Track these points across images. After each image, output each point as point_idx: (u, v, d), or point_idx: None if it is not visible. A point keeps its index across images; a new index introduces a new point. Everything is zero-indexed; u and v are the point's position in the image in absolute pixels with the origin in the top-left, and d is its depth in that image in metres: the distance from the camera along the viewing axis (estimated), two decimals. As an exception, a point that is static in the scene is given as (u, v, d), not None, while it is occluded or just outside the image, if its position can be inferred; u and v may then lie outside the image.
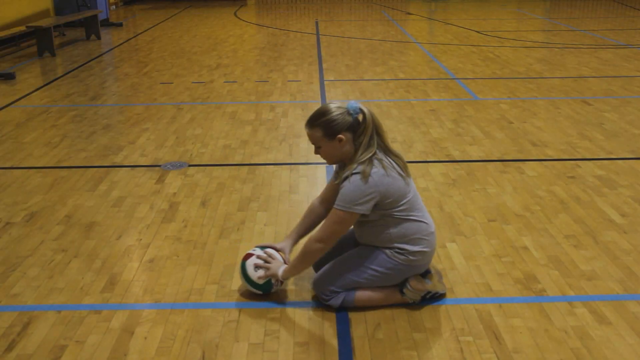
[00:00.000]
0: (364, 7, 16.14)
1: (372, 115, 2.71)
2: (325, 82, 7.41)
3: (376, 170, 2.65)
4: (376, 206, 2.69)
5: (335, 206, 2.69)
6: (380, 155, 2.70)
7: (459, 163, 4.69)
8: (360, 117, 2.72)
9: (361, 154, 2.68)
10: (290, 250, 3.03)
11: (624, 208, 3.89)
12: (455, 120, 5.76)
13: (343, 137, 2.69)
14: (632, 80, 7.35)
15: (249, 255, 2.96)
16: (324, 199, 3.00)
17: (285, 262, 2.93)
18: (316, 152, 2.80)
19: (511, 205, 3.95)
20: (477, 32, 11.36)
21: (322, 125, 2.70)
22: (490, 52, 9.23)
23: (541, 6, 15.65)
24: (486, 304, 2.89)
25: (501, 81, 7.36)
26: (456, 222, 3.72)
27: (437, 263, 3.22)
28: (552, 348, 2.58)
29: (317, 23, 12.96)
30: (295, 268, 2.85)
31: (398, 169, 2.73)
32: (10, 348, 2.61)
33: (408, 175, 2.78)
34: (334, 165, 2.93)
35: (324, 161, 2.87)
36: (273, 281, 2.89)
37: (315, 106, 6.31)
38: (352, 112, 2.69)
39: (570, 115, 5.91)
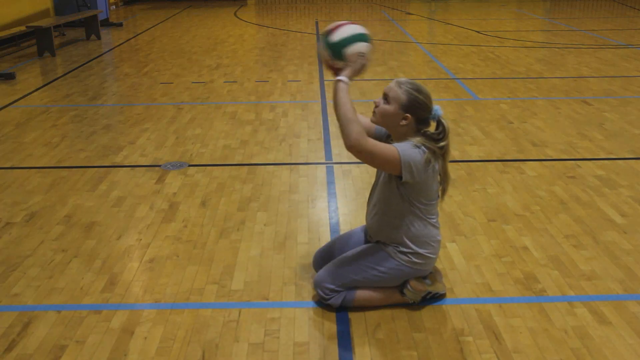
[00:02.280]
0: (364, 7, 16.14)
1: (449, 130, 2.70)
2: (325, 82, 7.41)
3: (432, 163, 2.65)
4: (408, 188, 2.68)
5: (397, 146, 2.62)
6: (440, 162, 2.70)
7: (459, 163, 4.69)
8: (434, 122, 2.71)
9: (426, 142, 2.66)
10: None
11: (624, 208, 3.89)
12: (455, 120, 5.76)
13: (410, 118, 2.67)
14: (632, 80, 7.35)
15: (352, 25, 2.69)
16: (369, 124, 2.87)
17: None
18: (377, 103, 2.74)
19: (511, 205, 3.95)
20: (477, 32, 11.36)
21: (409, 96, 2.66)
22: (490, 52, 9.23)
23: (541, 6, 15.64)
24: (486, 304, 2.89)
25: (501, 81, 7.36)
26: (456, 222, 3.72)
27: (437, 263, 3.22)
28: (552, 348, 2.58)
29: (317, 23, 12.95)
30: (338, 95, 2.62)
31: (438, 178, 2.74)
32: (10, 348, 2.61)
33: (441, 192, 2.79)
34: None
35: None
36: (342, 57, 2.63)
37: (316, 106, 6.35)
38: (432, 113, 2.69)
39: (570, 115, 5.91)
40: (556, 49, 9.44)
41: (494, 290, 3.00)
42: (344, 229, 3.65)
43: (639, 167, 4.57)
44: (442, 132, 2.68)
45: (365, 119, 2.88)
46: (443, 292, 2.93)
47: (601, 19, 13.08)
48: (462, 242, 3.48)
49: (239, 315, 2.82)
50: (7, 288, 3.07)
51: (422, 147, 2.64)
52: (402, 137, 2.71)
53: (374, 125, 2.88)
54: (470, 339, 2.65)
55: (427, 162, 2.63)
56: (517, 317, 2.79)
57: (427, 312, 2.83)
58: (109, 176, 4.51)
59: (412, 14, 14.30)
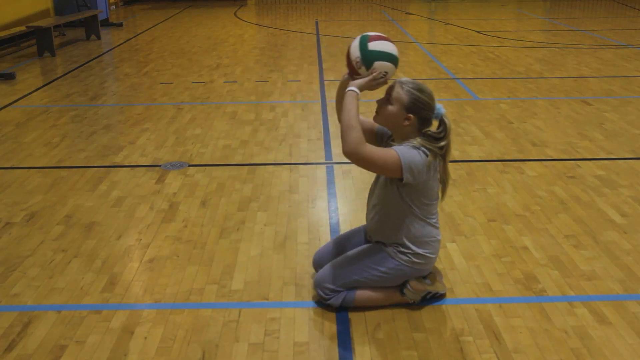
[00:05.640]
0: (364, 7, 16.14)
1: (450, 129, 2.69)
2: (325, 82, 7.41)
3: (433, 164, 2.66)
4: (406, 188, 2.67)
5: (396, 149, 2.61)
6: (440, 162, 2.70)
7: (459, 163, 4.69)
8: (436, 122, 2.71)
9: (430, 144, 2.65)
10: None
11: (624, 208, 3.89)
12: (455, 120, 5.75)
13: (412, 118, 2.67)
14: (632, 80, 7.35)
15: (386, 39, 2.69)
16: (362, 122, 2.80)
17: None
18: (380, 102, 2.73)
19: (511, 205, 3.95)
20: (477, 32, 11.36)
21: (411, 96, 2.66)
22: (490, 52, 9.23)
23: (541, 6, 15.64)
24: (486, 304, 2.89)
25: (501, 81, 7.36)
26: (456, 222, 3.72)
27: (437, 263, 3.22)
28: (552, 348, 2.58)
29: (317, 23, 12.95)
30: (346, 100, 2.61)
31: (438, 181, 2.75)
32: (10, 348, 2.61)
33: (441, 193, 2.80)
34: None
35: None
36: (367, 67, 2.64)
37: (316, 106, 6.35)
38: (435, 112, 2.69)
39: (570, 115, 5.91)
40: (556, 49, 9.44)
41: (494, 290, 3.00)
42: (344, 229, 3.65)
43: (639, 167, 4.57)
44: (443, 131, 2.68)
45: (368, 119, 2.88)
46: (443, 292, 2.93)
47: (601, 19, 13.07)
48: (462, 242, 3.48)
49: (239, 315, 2.82)
50: (7, 288, 3.07)
51: (422, 148, 2.64)
52: (404, 137, 2.71)
53: (376, 125, 2.88)
54: (470, 339, 2.65)
55: (429, 163, 2.63)
56: (517, 317, 2.79)
57: (427, 312, 2.83)
58: (109, 176, 4.51)
59: (412, 14, 14.30)
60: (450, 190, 4.16)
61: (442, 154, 2.69)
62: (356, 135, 2.54)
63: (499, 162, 4.71)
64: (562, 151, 4.93)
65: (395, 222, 2.76)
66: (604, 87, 7.02)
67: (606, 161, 4.70)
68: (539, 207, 3.92)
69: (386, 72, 2.66)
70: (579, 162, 4.68)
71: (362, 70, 2.66)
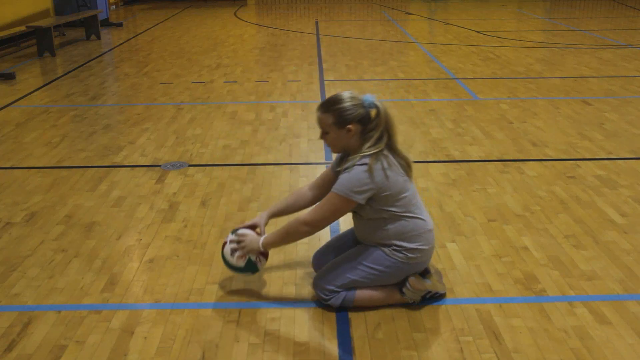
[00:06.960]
0: (364, 7, 16.14)
1: (386, 112, 2.70)
2: (325, 82, 7.41)
3: (379, 165, 2.66)
4: (373, 200, 2.69)
5: (333, 189, 2.68)
6: (387, 152, 2.70)
7: (459, 163, 4.69)
8: (374, 112, 2.71)
9: (368, 147, 2.67)
10: (266, 223, 3.00)
11: (624, 208, 3.89)
12: (455, 120, 5.76)
13: (352, 128, 2.69)
14: (632, 80, 7.35)
15: (224, 244, 2.97)
16: (316, 185, 3.00)
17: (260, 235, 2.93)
18: (322, 137, 2.79)
19: (511, 205, 3.95)
20: (477, 32, 11.37)
21: (334, 113, 2.69)
22: (490, 52, 9.23)
23: (541, 6, 15.65)
24: (486, 304, 2.89)
25: (501, 81, 7.36)
26: (456, 222, 3.72)
27: (437, 263, 3.23)
28: (552, 348, 2.58)
29: (317, 23, 12.96)
30: (275, 243, 2.85)
31: (401, 169, 2.73)
32: (10, 348, 2.61)
33: (410, 177, 2.79)
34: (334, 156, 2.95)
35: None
36: (254, 259, 2.88)
37: (315, 106, 6.33)
38: (366, 105, 2.69)
39: (570, 115, 5.91)
40: (556, 49, 9.44)
41: (494, 290, 3.00)
42: (343, 228, 3.64)
43: (639, 167, 4.57)
44: (377, 116, 2.69)
45: (321, 176, 3.00)
46: (443, 292, 2.93)
47: (601, 19, 13.08)
48: (462, 242, 3.48)
49: (239, 315, 2.82)
50: (7, 288, 3.07)
51: (358, 163, 2.64)
52: (358, 147, 2.72)
53: (327, 172, 2.95)
54: (470, 339, 2.65)
55: (370, 169, 2.63)
56: (517, 317, 2.79)
57: (427, 312, 2.83)
58: (109, 176, 4.51)
59: (412, 14, 14.30)
60: (450, 190, 4.18)
61: (387, 144, 2.69)
62: (295, 231, 2.76)
63: (499, 162, 4.71)
64: (562, 151, 4.93)
65: (378, 231, 2.78)
66: (604, 87, 7.02)
67: (606, 161, 4.70)
68: (539, 207, 3.92)
69: (233, 245, 2.91)
70: (579, 162, 4.68)
71: (252, 257, 2.89)
